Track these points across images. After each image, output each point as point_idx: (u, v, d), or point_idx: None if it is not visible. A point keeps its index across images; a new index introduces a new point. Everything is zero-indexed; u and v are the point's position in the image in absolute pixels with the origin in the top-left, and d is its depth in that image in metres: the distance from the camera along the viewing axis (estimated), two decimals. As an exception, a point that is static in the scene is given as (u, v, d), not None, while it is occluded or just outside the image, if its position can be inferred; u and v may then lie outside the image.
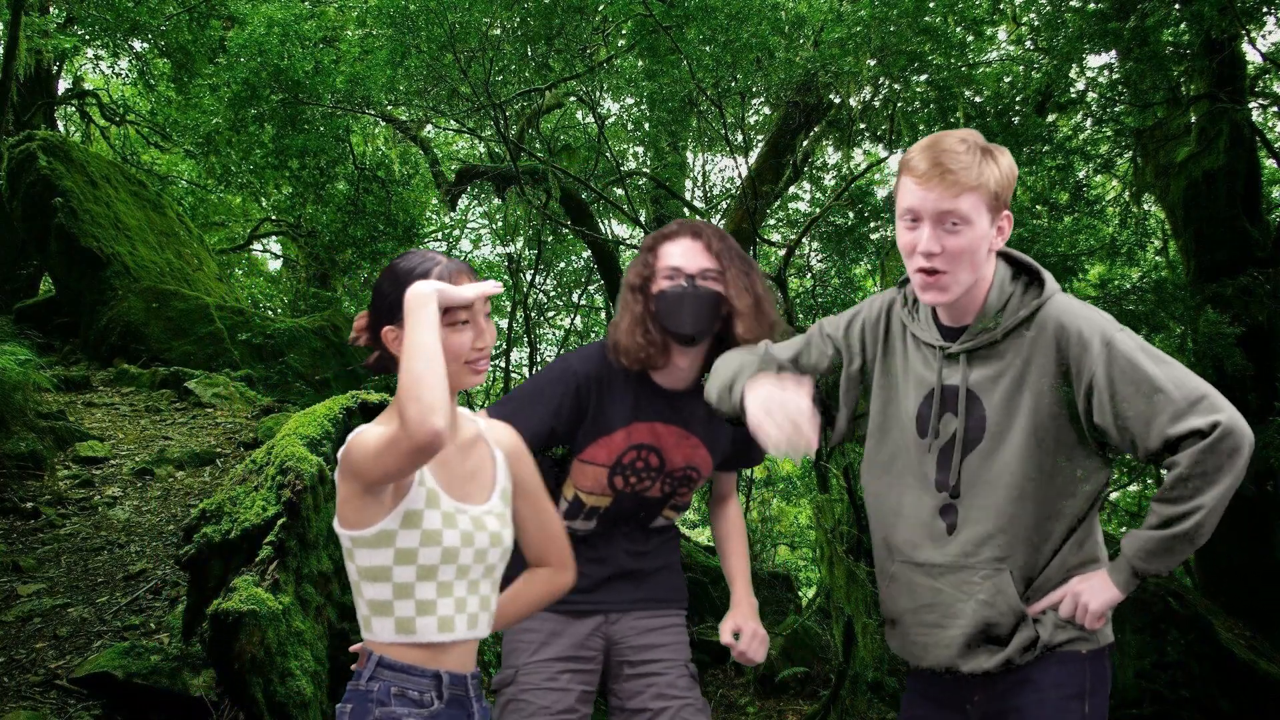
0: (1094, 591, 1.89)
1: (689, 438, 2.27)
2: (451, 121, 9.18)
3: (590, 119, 9.58)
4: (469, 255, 13.06)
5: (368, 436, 1.63)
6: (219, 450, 6.14)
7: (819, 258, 10.06)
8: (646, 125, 9.61)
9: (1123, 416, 1.81)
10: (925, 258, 1.83)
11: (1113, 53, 8.61)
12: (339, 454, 1.70)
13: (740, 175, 8.21)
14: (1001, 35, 9.66)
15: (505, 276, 11.44)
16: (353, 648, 1.84)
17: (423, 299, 1.64)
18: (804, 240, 9.12)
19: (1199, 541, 1.80)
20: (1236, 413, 1.78)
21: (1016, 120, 7.60)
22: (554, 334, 12.58)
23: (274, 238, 16.26)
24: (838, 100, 8.25)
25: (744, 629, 2.30)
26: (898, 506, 1.99)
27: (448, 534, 1.71)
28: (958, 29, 7.39)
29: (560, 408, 2.22)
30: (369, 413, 3.97)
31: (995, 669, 1.89)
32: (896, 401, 2.01)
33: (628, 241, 11.92)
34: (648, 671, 2.24)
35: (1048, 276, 1.94)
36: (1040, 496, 1.88)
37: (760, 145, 8.98)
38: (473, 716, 1.77)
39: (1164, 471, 1.84)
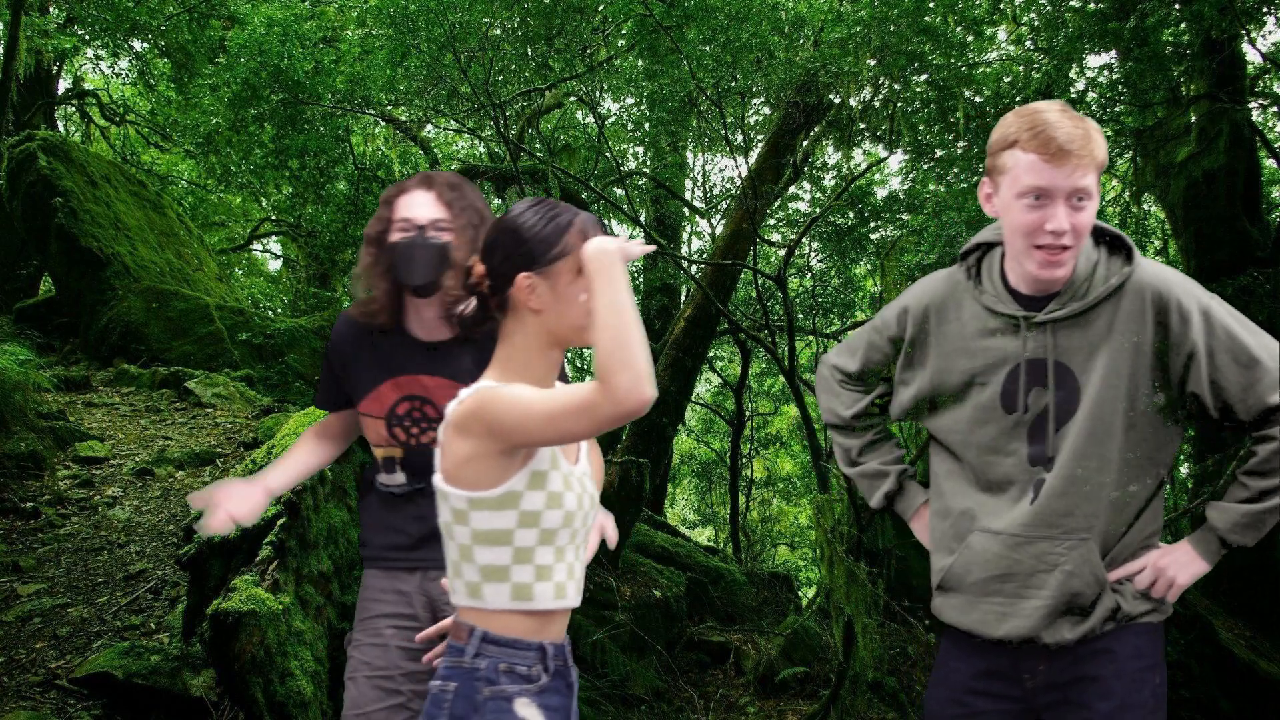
0: (1181, 565, 1.89)
1: (458, 387, 2.18)
2: (451, 121, 9.18)
3: (590, 119, 9.58)
4: (469, 255, 13.05)
5: (523, 395, 1.55)
6: (219, 450, 6.14)
7: (819, 258, 10.07)
8: (646, 125, 9.61)
9: (1219, 385, 1.83)
10: (1056, 236, 1.81)
11: (1113, 53, 8.61)
12: (460, 411, 1.61)
13: (740, 175, 8.21)
14: (1001, 35, 9.66)
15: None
16: (438, 627, 1.85)
17: (613, 254, 1.54)
18: (804, 240, 9.12)
19: None
20: None
21: (1016, 120, 7.59)
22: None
23: (274, 238, 16.26)
24: (838, 100, 8.25)
25: (606, 525, 2.24)
26: (981, 479, 1.96)
27: (568, 497, 1.65)
28: (958, 29, 7.39)
29: (332, 370, 2.33)
30: (369, 413, 3.97)
31: (1077, 640, 1.88)
32: (969, 376, 1.97)
33: (628, 241, 11.91)
34: None
35: (1131, 242, 1.93)
36: (1127, 466, 1.87)
37: (760, 145, 8.98)
38: (572, 686, 1.71)
39: (1256, 447, 1.87)
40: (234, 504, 2.13)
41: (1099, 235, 1.95)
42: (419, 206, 2.22)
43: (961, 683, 1.99)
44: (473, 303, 1.73)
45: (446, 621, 1.86)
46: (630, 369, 1.45)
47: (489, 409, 1.57)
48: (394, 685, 2.18)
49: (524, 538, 1.62)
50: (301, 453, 2.37)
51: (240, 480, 2.19)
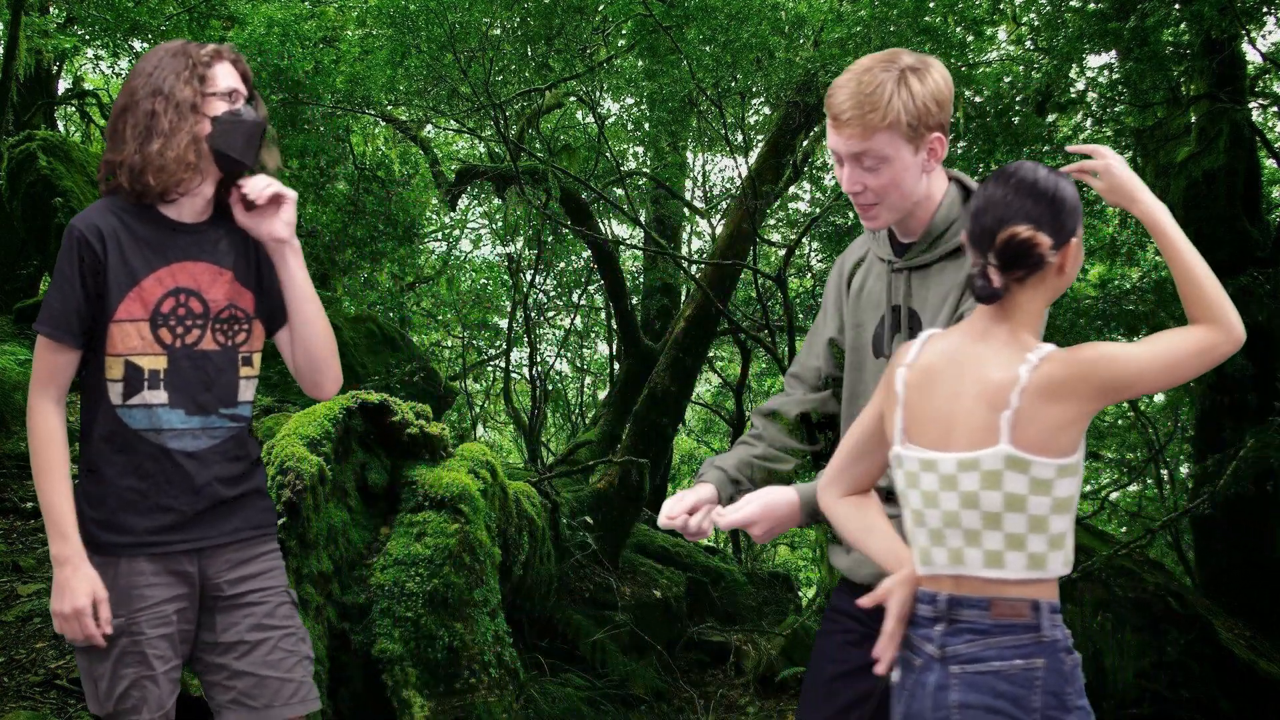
0: None
1: (223, 273, 2.08)
2: (451, 121, 9.18)
3: (590, 119, 9.58)
4: (469, 255, 13.07)
5: (1131, 350, 1.63)
6: (219, 450, 6.13)
7: (819, 258, 10.07)
8: (646, 125, 9.61)
9: None
10: (852, 195, 1.90)
11: (1113, 53, 8.61)
12: (1053, 374, 1.61)
13: (740, 175, 8.21)
14: (1001, 35, 9.66)
15: (505, 276, 11.44)
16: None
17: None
18: (804, 240, 9.12)
19: None
20: None
21: (1016, 120, 7.59)
22: (554, 334, 12.59)
23: (274, 238, 16.22)
24: (838, 100, 8.24)
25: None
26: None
27: None
28: (958, 29, 7.39)
29: (83, 275, 1.98)
30: (368, 413, 3.97)
31: None
32: (861, 326, 2.04)
33: (628, 241, 11.93)
34: (245, 602, 2.07)
35: None
36: None
37: (760, 145, 8.98)
38: None
39: None
40: (101, 606, 1.96)
41: (969, 192, 1.98)
42: (235, 80, 2.07)
43: (844, 611, 2.07)
44: (994, 275, 1.67)
45: (895, 622, 1.78)
46: (1230, 303, 1.66)
47: (1101, 369, 1.62)
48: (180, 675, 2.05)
49: (1076, 501, 1.69)
50: (68, 466, 2.03)
51: (84, 569, 1.95)
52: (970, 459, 1.64)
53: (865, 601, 1.80)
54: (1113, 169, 1.77)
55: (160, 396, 2.01)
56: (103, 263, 1.98)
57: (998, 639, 1.64)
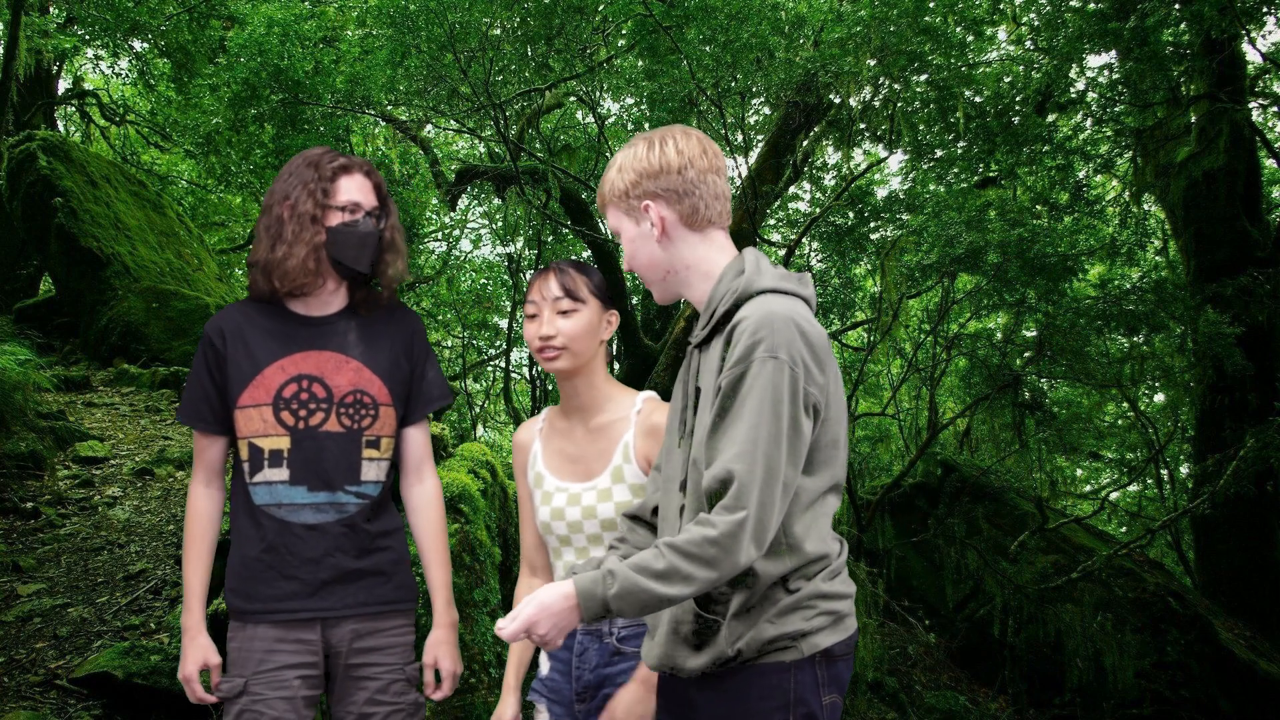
0: None
1: (348, 361, 2.23)
2: (451, 121, 9.19)
3: (590, 119, 9.59)
4: (469, 255, 13.07)
5: None
6: (219, 450, 6.12)
7: (819, 258, 10.07)
8: (646, 125, 9.61)
9: (715, 423, 1.73)
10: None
11: (1113, 53, 8.61)
12: None
13: (740, 175, 8.21)
14: (1001, 35, 9.66)
15: (505, 276, 11.44)
16: None
17: None
18: (804, 240, 9.12)
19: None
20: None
21: (1016, 120, 7.60)
22: (554, 334, 12.57)
23: (274, 238, 16.23)
24: (838, 100, 8.25)
25: (442, 668, 2.25)
26: (662, 512, 1.93)
27: (541, 510, 2.21)
28: (958, 29, 7.39)
29: (208, 369, 2.23)
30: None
31: (698, 672, 1.80)
32: (673, 410, 1.98)
33: (628, 241, 11.94)
34: (361, 675, 2.19)
35: (750, 269, 1.84)
36: None
37: (760, 145, 8.98)
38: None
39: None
40: (213, 672, 2.23)
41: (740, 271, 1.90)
42: (364, 192, 2.24)
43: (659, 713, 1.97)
44: None
45: None
46: None
47: None
48: None
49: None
50: (209, 543, 2.30)
51: (198, 640, 2.23)
52: None
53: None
54: None
55: (281, 474, 2.17)
56: (224, 357, 2.20)
57: None
